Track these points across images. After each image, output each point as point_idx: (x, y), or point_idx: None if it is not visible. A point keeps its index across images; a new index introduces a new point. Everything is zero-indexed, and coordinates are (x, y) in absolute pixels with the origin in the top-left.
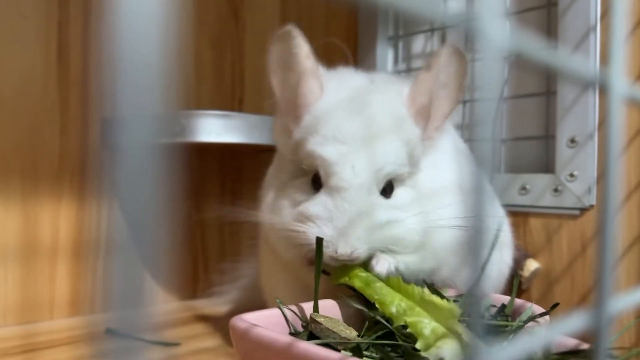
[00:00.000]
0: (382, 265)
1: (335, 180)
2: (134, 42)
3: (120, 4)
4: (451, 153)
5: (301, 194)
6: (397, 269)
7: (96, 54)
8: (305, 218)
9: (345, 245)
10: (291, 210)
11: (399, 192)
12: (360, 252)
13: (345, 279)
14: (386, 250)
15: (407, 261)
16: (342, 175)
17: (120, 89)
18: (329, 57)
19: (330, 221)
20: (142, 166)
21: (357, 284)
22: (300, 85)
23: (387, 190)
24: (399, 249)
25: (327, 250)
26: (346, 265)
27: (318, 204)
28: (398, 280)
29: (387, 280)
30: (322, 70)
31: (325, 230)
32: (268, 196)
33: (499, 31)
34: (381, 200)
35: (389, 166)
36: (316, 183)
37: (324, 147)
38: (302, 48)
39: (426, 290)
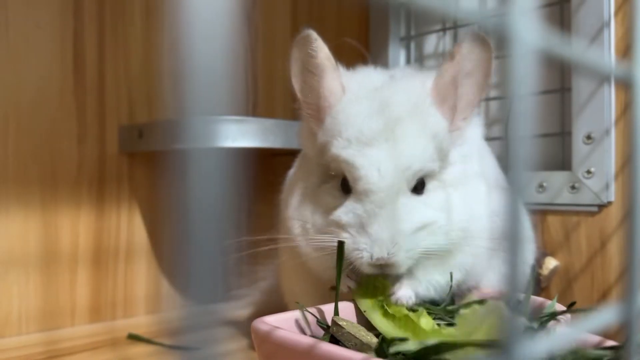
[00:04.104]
0: (404, 292)
1: (362, 184)
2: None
3: (186, 11)
4: (481, 144)
5: (331, 199)
6: (417, 296)
7: (112, 62)
8: (338, 226)
9: (380, 250)
10: (323, 218)
11: (430, 188)
12: (398, 258)
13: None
14: (422, 262)
15: (433, 282)
16: (369, 179)
17: (183, 94)
18: (341, 57)
19: (361, 228)
20: (208, 169)
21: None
22: (321, 88)
23: (418, 187)
24: (435, 256)
25: (363, 259)
26: (370, 288)
27: (349, 211)
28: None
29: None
30: (342, 70)
31: (358, 238)
32: (294, 201)
33: (522, 27)
34: (413, 199)
35: (416, 164)
36: (345, 186)
37: (348, 151)
38: (322, 50)
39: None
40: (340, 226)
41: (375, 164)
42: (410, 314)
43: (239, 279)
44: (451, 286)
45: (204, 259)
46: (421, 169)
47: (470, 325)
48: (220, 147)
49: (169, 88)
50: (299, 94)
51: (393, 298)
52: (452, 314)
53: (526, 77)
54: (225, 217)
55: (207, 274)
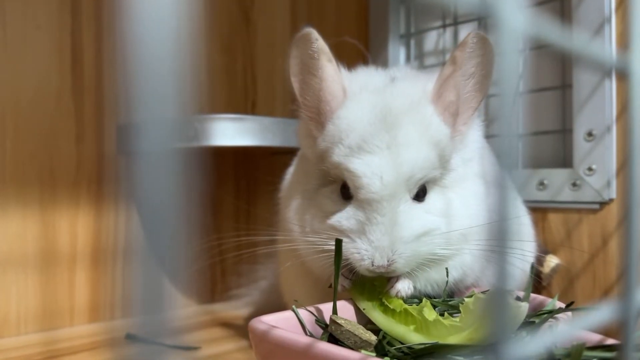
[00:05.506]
0: (402, 284)
1: (364, 192)
2: (148, 49)
3: (134, 11)
4: (482, 147)
5: (331, 204)
6: (416, 289)
7: (110, 62)
8: (338, 232)
9: (381, 257)
10: (322, 222)
11: (432, 195)
12: (398, 265)
13: (364, 302)
14: (421, 266)
15: (431, 279)
16: (371, 188)
17: (135, 96)
18: (341, 55)
19: (363, 234)
20: (159, 171)
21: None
22: (322, 91)
23: (420, 194)
24: (434, 261)
25: (364, 263)
26: (367, 286)
27: (351, 218)
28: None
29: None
30: (343, 72)
31: (360, 244)
32: (293, 203)
33: (518, 16)
34: (414, 206)
35: (419, 172)
36: (345, 191)
37: (350, 159)
38: (323, 52)
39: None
40: (341, 231)
41: (377, 173)
42: (410, 307)
43: (238, 279)
44: (447, 282)
45: (146, 267)
46: (424, 176)
47: (473, 315)
48: (175, 148)
49: (121, 90)
50: (297, 94)
51: (392, 291)
52: (453, 308)
53: (514, 62)
54: (179, 220)
55: (156, 280)
